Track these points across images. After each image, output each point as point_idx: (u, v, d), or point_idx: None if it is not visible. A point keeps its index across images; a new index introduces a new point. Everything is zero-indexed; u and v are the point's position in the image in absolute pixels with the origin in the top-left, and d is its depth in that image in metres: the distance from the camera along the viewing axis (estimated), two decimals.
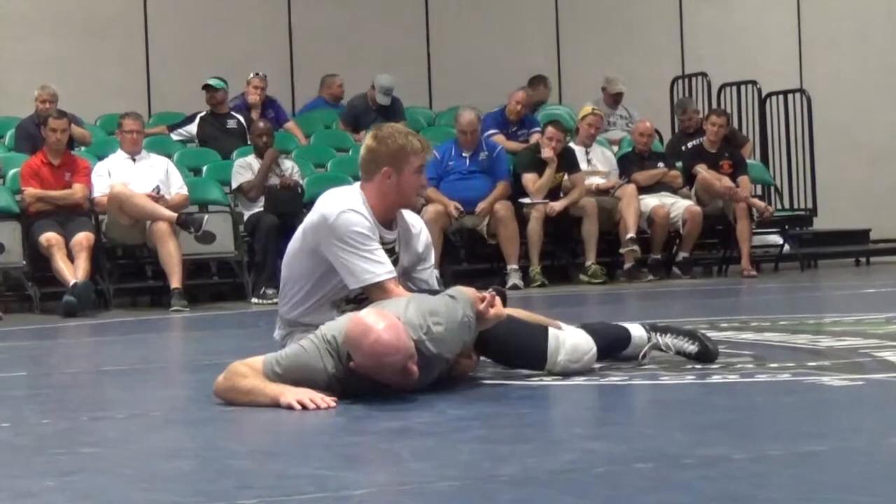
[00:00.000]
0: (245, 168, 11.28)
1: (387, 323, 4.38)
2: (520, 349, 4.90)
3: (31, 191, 10.43)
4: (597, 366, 5.05)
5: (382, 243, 5.02)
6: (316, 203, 5.14)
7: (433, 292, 4.99)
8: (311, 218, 5.06)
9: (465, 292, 4.69)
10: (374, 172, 5.04)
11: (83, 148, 11.70)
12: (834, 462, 3.35)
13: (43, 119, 10.82)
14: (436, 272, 5.44)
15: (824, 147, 14.51)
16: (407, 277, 5.15)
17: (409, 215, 5.25)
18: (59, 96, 11.50)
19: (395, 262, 5.07)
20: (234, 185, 11.25)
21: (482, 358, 5.06)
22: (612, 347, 5.13)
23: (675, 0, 15.72)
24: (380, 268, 4.91)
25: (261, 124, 11.64)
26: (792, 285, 11.28)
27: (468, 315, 4.62)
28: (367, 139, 5.18)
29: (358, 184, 5.16)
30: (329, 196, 5.10)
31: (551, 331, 4.99)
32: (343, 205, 4.96)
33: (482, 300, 4.69)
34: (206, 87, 12.20)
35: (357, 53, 13.96)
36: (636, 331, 5.18)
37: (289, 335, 5.12)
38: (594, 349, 5.00)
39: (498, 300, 4.73)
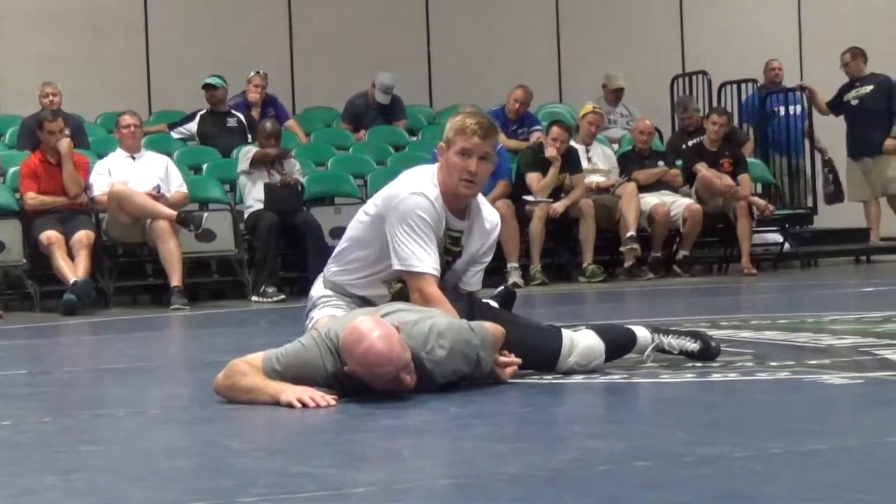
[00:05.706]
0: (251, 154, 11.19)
1: (381, 332, 4.34)
2: (533, 351, 4.88)
3: (31, 195, 10.38)
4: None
5: (450, 229, 4.98)
6: (397, 178, 5.12)
7: (461, 302, 4.95)
8: (387, 190, 5.04)
9: (489, 334, 4.62)
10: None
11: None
12: (834, 460, 3.35)
13: (38, 123, 10.74)
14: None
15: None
16: (461, 270, 5.10)
17: (487, 210, 5.16)
18: (60, 95, 11.50)
19: (458, 254, 5.04)
20: (242, 163, 11.11)
21: None
22: (619, 350, 5.12)
23: None
24: (427, 260, 4.86)
25: (268, 125, 11.36)
26: (792, 284, 11.27)
27: (481, 356, 4.57)
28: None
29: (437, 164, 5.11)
30: (408, 174, 5.09)
31: (565, 332, 5.00)
32: (416, 187, 4.93)
33: (504, 356, 4.70)
34: (206, 87, 12.16)
35: (357, 51, 13.95)
36: (640, 332, 5.19)
37: (324, 301, 5.08)
38: (604, 353, 5.01)
39: (517, 365, 4.74)
